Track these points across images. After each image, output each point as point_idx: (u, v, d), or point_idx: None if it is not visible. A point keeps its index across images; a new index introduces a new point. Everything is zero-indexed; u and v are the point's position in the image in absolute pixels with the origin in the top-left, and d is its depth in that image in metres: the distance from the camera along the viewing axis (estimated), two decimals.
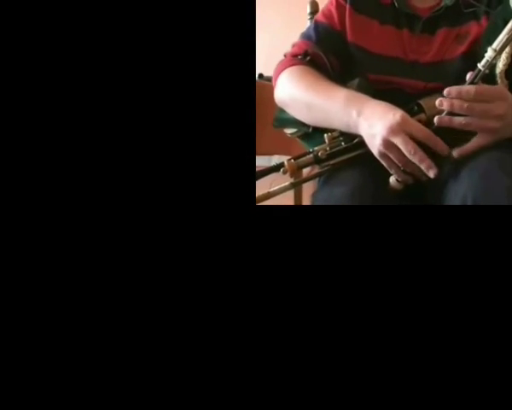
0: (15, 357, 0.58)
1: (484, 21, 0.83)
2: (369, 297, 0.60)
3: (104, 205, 0.60)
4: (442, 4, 0.86)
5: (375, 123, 0.76)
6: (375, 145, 0.76)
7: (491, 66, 0.74)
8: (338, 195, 0.78)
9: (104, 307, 0.59)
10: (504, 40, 0.72)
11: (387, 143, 0.74)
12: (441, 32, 0.86)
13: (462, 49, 0.84)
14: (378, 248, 0.60)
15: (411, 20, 0.88)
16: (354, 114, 0.79)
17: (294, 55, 0.93)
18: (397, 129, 0.73)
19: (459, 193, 0.72)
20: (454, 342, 0.58)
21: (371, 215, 0.64)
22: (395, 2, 0.88)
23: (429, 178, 0.75)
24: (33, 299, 0.58)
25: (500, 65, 0.76)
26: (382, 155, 0.76)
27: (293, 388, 0.59)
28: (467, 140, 0.74)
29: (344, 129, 0.81)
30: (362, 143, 0.80)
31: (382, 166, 0.77)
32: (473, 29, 0.84)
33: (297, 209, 1.04)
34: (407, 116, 0.74)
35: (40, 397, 0.58)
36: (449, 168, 0.76)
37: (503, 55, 0.76)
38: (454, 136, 0.75)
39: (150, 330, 0.59)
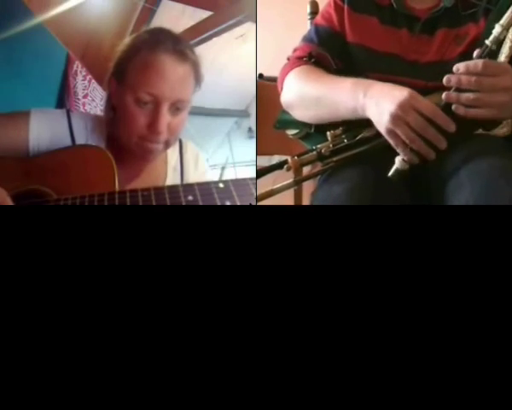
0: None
1: (482, 23, 0.84)
2: (368, 297, 0.60)
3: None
4: (441, 5, 0.87)
5: (382, 100, 0.76)
6: (382, 123, 0.76)
7: (498, 42, 0.75)
8: (337, 193, 0.78)
9: (105, 306, 0.60)
10: None
11: (396, 119, 0.74)
12: (440, 33, 0.86)
13: (460, 49, 0.85)
14: (377, 247, 0.61)
15: (410, 21, 0.88)
16: (361, 95, 0.79)
17: (299, 58, 0.94)
18: (406, 104, 0.74)
19: (461, 200, 0.72)
20: (455, 344, 0.59)
21: (370, 214, 0.64)
22: (393, 3, 0.89)
23: (435, 158, 0.75)
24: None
25: (502, 58, 0.76)
26: (390, 131, 0.76)
27: (295, 389, 0.59)
28: (472, 126, 0.76)
29: (352, 115, 0.82)
30: (364, 140, 0.80)
31: (383, 163, 0.78)
32: (471, 30, 0.85)
33: (297, 209, 1.05)
34: (414, 92, 0.75)
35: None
36: (451, 169, 0.76)
37: (507, 47, 0.77)
38: (459, 122, 0.75)
39: (150, 330, 0.60)
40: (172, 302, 0.60)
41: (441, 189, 0.77)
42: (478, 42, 0.82)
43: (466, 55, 0.83)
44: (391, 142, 0.77)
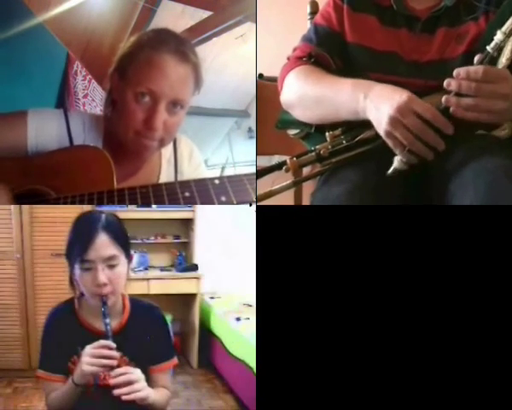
0: None
1: (482, 22, 0.84)
2: (369, 297, 0.60)
3: None
4: (442, 5, 0.86)
5: (382, 104, 0.77)
6: (381, 125, 0.77)
7: (499, 49, 0.75)
8: (336, 194, 0.78)
9: None
10: None
11: (395, 122, 0.75)
12: (441, 32, 0.86)
13: (461, 48, 0.85)
14: (377, 247, 0.61)
15: (410, 21, 0.88)
16: (361, 97, 0.80)
17: (298, 58, 0.94)
18: (404, 108, 0.74)
19: (465, 201, 0.72)
20: (455, 344, 0.59)
21: (370, 215, 0.64)
22: (393, 4, 0.89)
23: (433, 159, 0.76)
24: None
25: (503, 60, 0.77)
26: (388, 134, 0.77)
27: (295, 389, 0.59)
28: (471, 129, 0.76)
29: (352, 117, 0.82)
30: (363, 142, 0.81)
31: (383, 164, 0.78)
32: (472, 29, 0.85)
33: (297, 209, 1.05)
34: (414, 96, 0.76)
35: None
36: (454, 166, 0.76)
37: (508, 50, 0.77)
38: (460, 123, 0.76)
39: None
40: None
41: (444, 185, 0.77)
42: (478, 40, 0.83)
43: (466, 54, 0.84)
44: (389, 143, 0.78)
